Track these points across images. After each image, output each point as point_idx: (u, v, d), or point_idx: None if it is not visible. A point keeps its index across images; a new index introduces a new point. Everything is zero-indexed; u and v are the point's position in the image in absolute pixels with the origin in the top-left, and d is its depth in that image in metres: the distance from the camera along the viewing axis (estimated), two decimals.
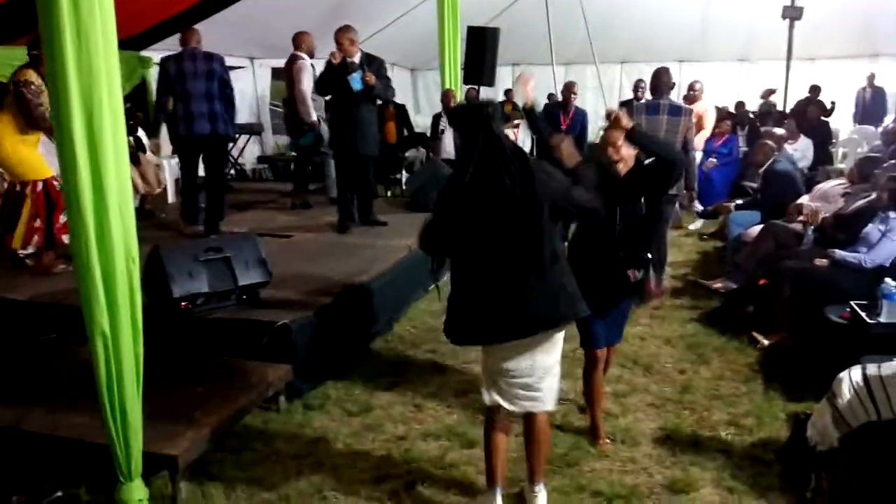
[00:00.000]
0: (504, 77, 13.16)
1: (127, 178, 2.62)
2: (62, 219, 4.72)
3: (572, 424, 3.62)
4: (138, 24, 7.47)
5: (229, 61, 10.29)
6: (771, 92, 11.97)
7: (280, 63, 11.18)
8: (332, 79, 5.78)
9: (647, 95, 7.35)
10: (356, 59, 5.70)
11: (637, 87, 8.44)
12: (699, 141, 7.78)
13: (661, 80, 5.53)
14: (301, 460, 3.32)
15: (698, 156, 7.83)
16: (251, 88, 10.74)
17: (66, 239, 4.74)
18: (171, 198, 8.01)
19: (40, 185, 4.73)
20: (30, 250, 4.90)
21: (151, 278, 3.83)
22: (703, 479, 3.12)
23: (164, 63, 5.89)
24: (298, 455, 3.36)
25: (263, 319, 3.94)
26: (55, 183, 4.70)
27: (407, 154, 9.72)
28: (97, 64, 2.42)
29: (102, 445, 2.70)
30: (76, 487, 2.97)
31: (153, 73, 7.72)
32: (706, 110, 8.31)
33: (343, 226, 6.22)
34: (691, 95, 7.91)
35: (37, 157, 4.78)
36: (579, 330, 3.35)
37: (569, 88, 7.82)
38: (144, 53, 8.28)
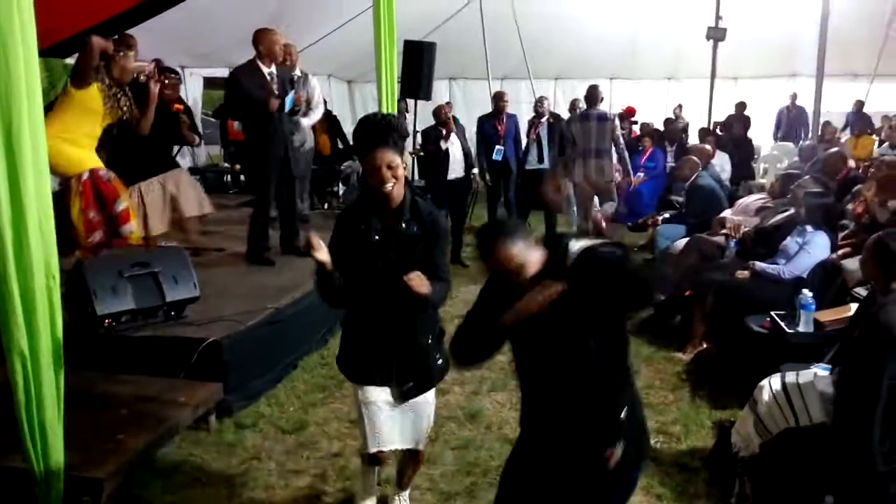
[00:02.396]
0: (441, 91, 13.29)
1: (47, 192, 2.53)
2: (119, 206, 4.51)
3: (508, 436, 3.65)
4: (63, 31, 7.21)
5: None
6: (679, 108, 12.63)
7: (213, 72, 11.01)
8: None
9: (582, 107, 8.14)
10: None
11: (574, 105, 8.61)
12: None
13: (593, 95, 7.13)
14: (233, 481, 3.24)
15: None
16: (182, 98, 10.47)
17: (127, 228, 4.53)
18: None
19: (85, 175, 4.44)
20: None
21: (74, 295, 3.69)
22: None
23: None
24: (230, 476, 3.28)
25: (192, 336, 3.84)
26: (101, 173, 4.49)
27: (343, 166, 9.66)
28: (16, 72, 2.34)
29: (21, 469, 2.58)
30: None
31: None
32: None
33: (256, 255, 5.47)
34: None
35: (77, 153, 4.47)
36: None
37: (500, 97, 8.03)
38: (69, 61, 7.99)
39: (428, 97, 8.20)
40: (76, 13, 6.97)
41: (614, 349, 2.08)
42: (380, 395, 2.63)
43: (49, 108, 2.65)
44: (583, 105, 7.85)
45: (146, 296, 3.92)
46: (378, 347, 2.58)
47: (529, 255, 2.04)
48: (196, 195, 5.46)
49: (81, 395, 3.11)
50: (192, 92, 10.77)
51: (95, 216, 4.46)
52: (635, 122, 11.92)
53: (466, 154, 7.54)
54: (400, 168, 2.46)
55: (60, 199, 4.53)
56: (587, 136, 6.98)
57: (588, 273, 1.96)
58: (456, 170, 7.49)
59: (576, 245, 2.03)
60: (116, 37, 5.30)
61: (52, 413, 2.55)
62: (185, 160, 10.53)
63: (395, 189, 2.48)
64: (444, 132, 7.35)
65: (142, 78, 4.78)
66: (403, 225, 2.52)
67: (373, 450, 2.65)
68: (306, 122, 6.67)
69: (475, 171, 7.96)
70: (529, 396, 2.22)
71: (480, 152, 8.01)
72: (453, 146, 7.41)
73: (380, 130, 2.46)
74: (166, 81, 5.20)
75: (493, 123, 7.77)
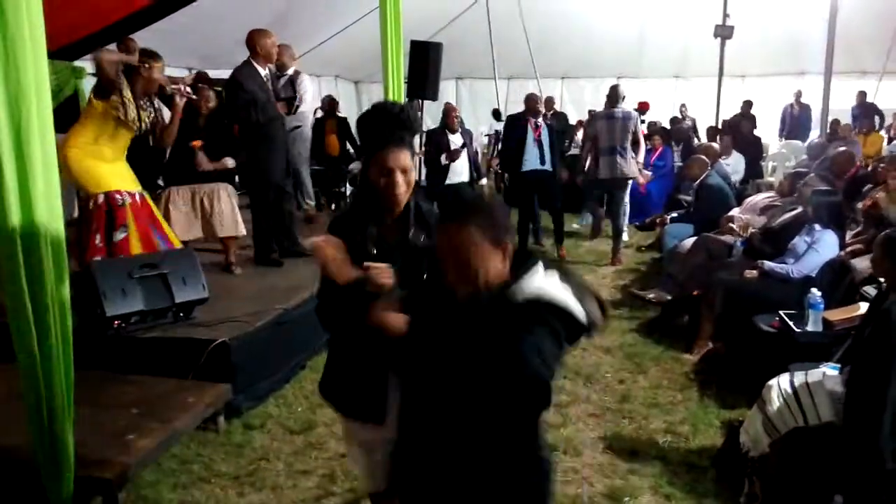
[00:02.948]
0: (448, 91, 13.32)
1: (56, 194, 2.55)
2: (118, 236, 4.44)
3: None
4: (73, 33, 7.25)
5: (167, 72, 10.12)
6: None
7: (220, 73, 11.05)
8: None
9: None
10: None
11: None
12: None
13: (616, 93, 7.31)
14: (241, 481, 3.25)
15: None
16: None
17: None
18: None
19: (101, 198, 4.42)
20: None
21: (83, 296, 3.71)
22: (641, 487, 3.19)
23: None
24: (238, 476, 3.29)
25: (201, 337, 3.85)
26: (117, 196, 4.45)
27: (351, 167, 9.69)
28: (25, 75, 2.36)
29: (31, 469, 2.60)
30: None
31: (86, 84, 7.47)
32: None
33: (264, 256, 5.52)
34: None
35: (100, 170, 4.47)
36: None
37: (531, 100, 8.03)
38: (78, 63, 8.03)
39: (434, 97, 8.19)
40: (85, 16, 7.02)
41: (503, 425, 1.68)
42: (370, 435, 2.17)
43: (56, 111, 2.67)
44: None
45: (155, 297, 3.94)
46: (372, 377, 2.07)
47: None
48: (231, 215, 5.32)
49: (91, 396, 3.13)
50: None
51: (101, 243, 4.42)
52: (643, 121, 11.87)
53: (472, 160, 7.30)
54: (413, 172, 2.09)
55: (81, 217, 4.58)
56: (612, 134, 7.11)
57: (504, 337, 1.58)
58: (459, 174, 7.18)
59: (531, 284, 1.63)
60: (136, 50, 5.24)
61: (62, 413, 2.56)
62: None
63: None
64: (448, 141, 7.14)
65: (168, 90, 4.78)
66: (411, 233, 2.11)
67: (371, 490, 2.32)
68: (304, 107, 6.74)
69: (484, 181, 7.86)
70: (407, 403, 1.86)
71: (506, 154, 8.01)
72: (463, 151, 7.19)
73: (398, 125, 2.04)
74: (186, 92, 4.98)
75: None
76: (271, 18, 8.67)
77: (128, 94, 4.41)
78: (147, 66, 4.51)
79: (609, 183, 7.27)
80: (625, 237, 8.08)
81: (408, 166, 2.05)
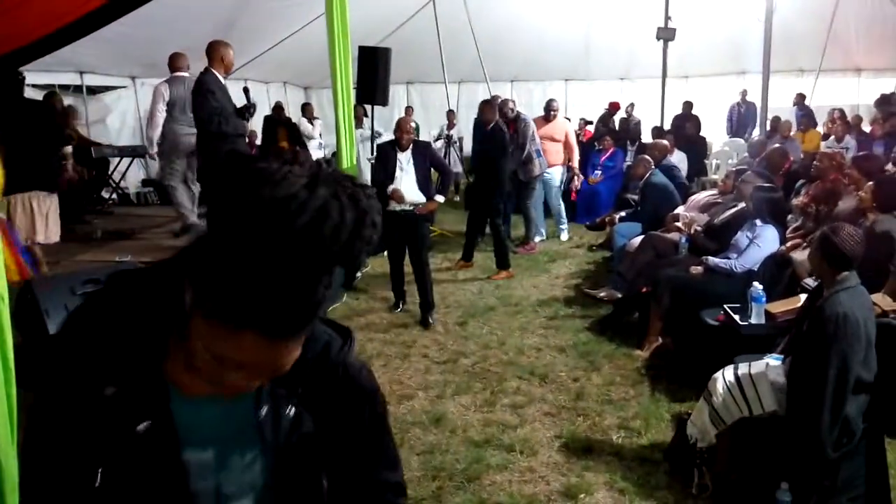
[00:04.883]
0: (399, 95, 13.34)
1: None
2: None
3: (472, 439, 3.67)
4: (9, 42, 7.02)
5: (109, 81, 9.92)
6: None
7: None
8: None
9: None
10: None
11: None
12: (574, 162, 8.55)
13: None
14: None
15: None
16: (133, 109, 10.32)
17: None
18: None
19: None
20: None
21: (24, 315, 3.59)
22: (596, 483, 3.24)
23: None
24: None
25: None
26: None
27: None
28: None
29: None
30: None
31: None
32: (566, 132, 8.40)
33: None
34: (550, 116, 8.28)
35: None
36: None
37: (504, 104, 7.94)
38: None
39: (384, 102, 8.19)
40: (25, 22, 6.81)
41: None
42: None
43: None
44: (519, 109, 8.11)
45: None
46: None
47: None
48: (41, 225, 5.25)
49: None
50: (144, 102, 10.64)
51: None
52: (590, 123, 12.06)
53: (427, 178, 5.79)
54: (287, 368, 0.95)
55: None
56: (513, 137, 7.52)
57: None
58: (408, 193, 5.66)
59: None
60: None
61: (5, 438, 2.48)
62: (139, 172, 10.41)
63: None
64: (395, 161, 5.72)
65: None
66: (262, 411, 1.06)
67: None
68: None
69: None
70: None
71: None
72: (405, 175, 5.69)
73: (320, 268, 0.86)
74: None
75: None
76: (216, 25, 8.57)
77: None
78: None
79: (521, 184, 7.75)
80: (563, 237, 8.51)
81: (284, 366, 0.94)
